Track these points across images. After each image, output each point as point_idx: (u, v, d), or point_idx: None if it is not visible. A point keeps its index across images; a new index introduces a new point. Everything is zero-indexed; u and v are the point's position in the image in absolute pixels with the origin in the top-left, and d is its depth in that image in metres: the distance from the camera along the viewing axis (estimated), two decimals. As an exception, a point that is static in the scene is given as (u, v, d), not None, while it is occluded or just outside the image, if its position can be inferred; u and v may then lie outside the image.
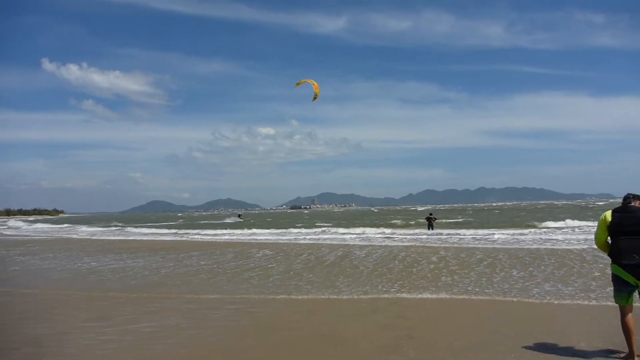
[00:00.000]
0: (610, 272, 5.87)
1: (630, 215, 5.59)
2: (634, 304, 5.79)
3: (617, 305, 5.80)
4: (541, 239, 23.24)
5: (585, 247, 18.39)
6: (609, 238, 5.83)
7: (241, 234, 37.90)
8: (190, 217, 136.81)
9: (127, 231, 48.63)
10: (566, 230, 29.68)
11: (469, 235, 27.30)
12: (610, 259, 5.82)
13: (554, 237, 23.64)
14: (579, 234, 25.28)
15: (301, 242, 26.61)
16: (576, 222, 35.92)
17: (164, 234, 40.54)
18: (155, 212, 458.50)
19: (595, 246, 6.49)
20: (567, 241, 21.46)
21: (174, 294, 11.45)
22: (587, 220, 37.42)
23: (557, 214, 58.41)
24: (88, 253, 23.23)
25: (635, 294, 5.69)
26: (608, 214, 5.80)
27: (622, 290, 5.70)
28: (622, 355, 5.73)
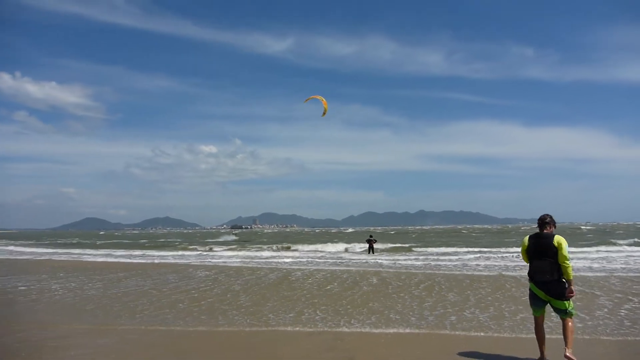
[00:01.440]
0: (529, 289, 6.97)
1: (542, 242, 6.72)
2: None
3: (533, 314, 6.97)
4: (478, 265, 23.27)
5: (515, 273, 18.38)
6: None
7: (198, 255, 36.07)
8: (122, 236, 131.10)
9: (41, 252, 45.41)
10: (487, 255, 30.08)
11: (407, 259, 27.01)
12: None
13: (493, 263, 23.75)
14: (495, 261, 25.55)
15: (232, 263, 25.41)
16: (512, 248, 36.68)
17: (94, 255, 38.00)
18: (89, 230, 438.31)
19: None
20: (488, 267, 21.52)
21: (85, 324, 10.12)
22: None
23: (494, 238, 59.95)
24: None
25: (548, 306, 6.76)
26: (526, 240, 6.97)
27: (536, 304, 6.86)
28: (536, 359, 6.88)
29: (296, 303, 12.09)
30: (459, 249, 35.67)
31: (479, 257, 27.22)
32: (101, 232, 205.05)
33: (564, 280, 6.58)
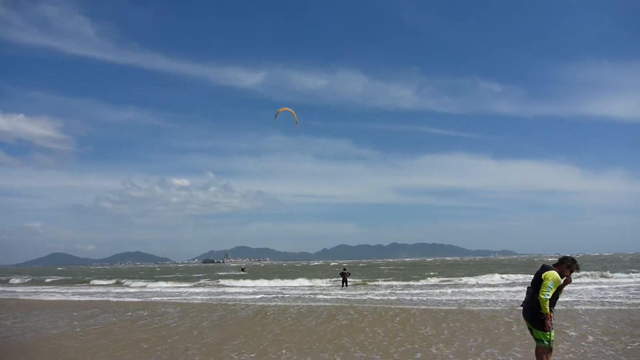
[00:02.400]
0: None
1: (537, 272, 7.20)
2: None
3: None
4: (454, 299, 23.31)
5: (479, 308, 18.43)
6: None
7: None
8: (85, 272, 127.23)
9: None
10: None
11: (379, 293, 26.90)
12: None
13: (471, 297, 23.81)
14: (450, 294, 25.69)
15: (198, 297, 24.85)
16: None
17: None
18: (55, 266, 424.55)
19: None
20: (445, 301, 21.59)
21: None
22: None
23: (467, 270, 60.30)
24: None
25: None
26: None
27: (530, 330, 7.29)
28: None
29: (262, 341, 11.85)
30: (432, 282, 35.68)
31: (455, 290, 27.29)
32: (59, 268, 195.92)
33: (540, 311, 6.88)
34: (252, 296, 26.94)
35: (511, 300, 20.24)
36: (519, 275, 39.64)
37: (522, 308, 7.29)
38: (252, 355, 10.29)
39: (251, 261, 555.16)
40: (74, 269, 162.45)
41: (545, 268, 7.10)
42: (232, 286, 38.93)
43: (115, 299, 27.34)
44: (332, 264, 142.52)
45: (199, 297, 26.91)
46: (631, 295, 20.62)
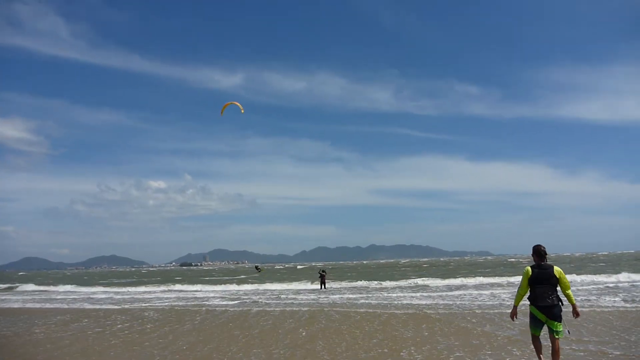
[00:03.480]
0: (529, 311, 7.96)
1: (544, 271, 7.76)
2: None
3: (531, 333, 8.08)
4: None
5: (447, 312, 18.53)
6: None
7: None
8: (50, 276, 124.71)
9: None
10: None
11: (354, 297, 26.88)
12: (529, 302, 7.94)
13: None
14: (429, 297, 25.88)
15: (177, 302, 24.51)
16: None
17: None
18: (29, 270, 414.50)
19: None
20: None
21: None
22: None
23: (446, 271, 60.80)
24: None
25: (545, 327, 7.83)
26: (529, 269, 7.88)
27: (536, 324, 7.92)
28: None
29: (233, 346, 11.70)
30: (409, 283, 35.84)
31: (428, 293, 27.45)
32: (20, 273, 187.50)
33: (562, 304, 7.68)
34: (228, 302, 26.68)
35: (481, 302, 20.46)
36: (492, 278, 40.10)
37: (541, 306, 7.65)
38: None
39: (229, 264, 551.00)
40: (41, 274, 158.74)
41: (547, 266, 7.77)
42: (211, 290, 38.51)
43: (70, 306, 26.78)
44: (312, 266, 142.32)
45: (179, 303, 26.53)
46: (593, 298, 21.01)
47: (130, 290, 42.84)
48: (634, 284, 27.27)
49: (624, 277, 31.77)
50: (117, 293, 39.10)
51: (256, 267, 78.91)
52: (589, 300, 19.34)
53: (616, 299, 19.42)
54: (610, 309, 16.16)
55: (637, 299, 18.95)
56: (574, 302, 7.76)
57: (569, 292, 7.73)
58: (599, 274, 36.54)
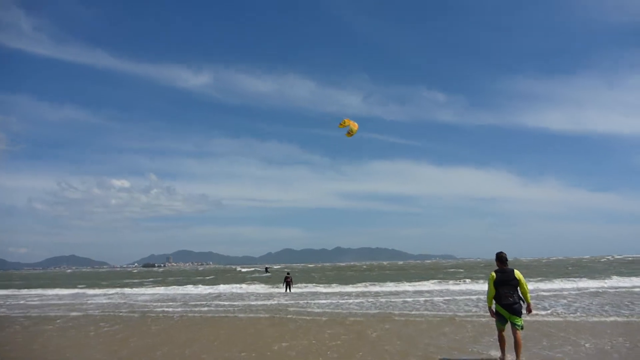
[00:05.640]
0: (494, 309, 9.35)
1: (506, 275, 9.20)
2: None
3: (497, 327, 9.41)
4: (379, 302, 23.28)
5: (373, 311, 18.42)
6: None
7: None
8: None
9: None
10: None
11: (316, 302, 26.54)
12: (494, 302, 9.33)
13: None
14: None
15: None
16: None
17: None
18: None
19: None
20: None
21: None
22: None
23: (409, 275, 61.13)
24: None
25: (509, 323, 9.16)
26: (494, 274, 9.30)
27: (500, 320, 9.26)
28: (499, 357, 9.45)
29: (182, 355, 11.17)
30: (366, 289, 35.69)
31: (386, 299, 27.34)
32: None
33: (522, 302, 9.17)
34: (178, 306, 25.93)
35: (437, 306, 20.43)
36: (448, 281, 40.40)
37: (505, 304, 9.04)
38: None
39: (194, 265, 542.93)
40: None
41: (509, 270, 9.25)
42: (155, 293, 37.51)
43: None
44: (278, 268, 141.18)
45: (124, 309, 25.61)
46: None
47: (60, 293, 41.38)
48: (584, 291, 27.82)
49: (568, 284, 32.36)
50: (41, 297, 37.69)
51: (266, 269, 76.99)
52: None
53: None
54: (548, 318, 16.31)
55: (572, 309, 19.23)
56: (530, 300, 9.33)
57: (527, 292, 9.21)
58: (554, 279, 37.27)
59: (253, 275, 74.97)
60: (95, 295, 37.41)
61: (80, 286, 53.49)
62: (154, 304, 26.80)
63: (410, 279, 47.52)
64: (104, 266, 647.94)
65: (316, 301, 25.03)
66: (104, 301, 30.16)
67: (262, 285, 43.88)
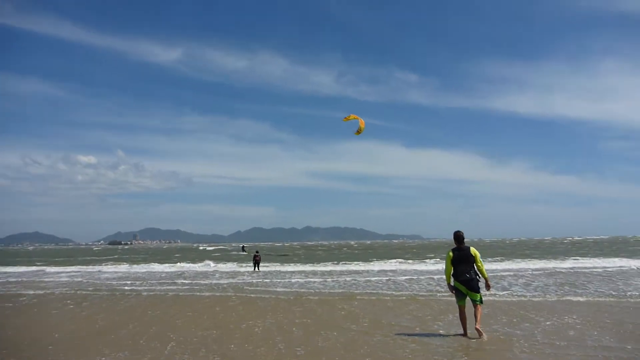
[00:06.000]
0: (453, 286, 9.74)
1: (463, 252, 9.66)
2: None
3: (457, 304, 9.81)
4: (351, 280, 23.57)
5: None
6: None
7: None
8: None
9: None
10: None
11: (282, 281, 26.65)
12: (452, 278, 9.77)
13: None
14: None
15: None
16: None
17: None
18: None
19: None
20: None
21: None
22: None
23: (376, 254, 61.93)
24: None
25: (468, 298, 9.66)
26: (451, 252, 9.76)
27: (459, 296, 9.70)
28: (461, 333, 9.84)
29: (146, 334, 11.08)
30: (341, 267, 36.04)
31: (358, 277, 27.67)
32: None
33: (478, 278, 9.59)
34: (143, 285, 25.70)
35: (400, 284, 20.82)
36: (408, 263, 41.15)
37: (462, 280, 9.50)
38: (125, 353, 9.35)
39: (161, 243, 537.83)
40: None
41: (465, 248, 9.68)
42: (135, 271, 37.09)
43: (-3, 286, 24.96)
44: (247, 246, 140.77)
45: (87, 287, 25.23)
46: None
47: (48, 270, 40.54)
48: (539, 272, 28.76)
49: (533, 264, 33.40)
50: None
51: (242, 248, 75.30)
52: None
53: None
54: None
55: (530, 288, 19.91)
56: (487, 276, 9.75)
57: (482, 267, 9.62)
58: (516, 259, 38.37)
59: (221, 254, 74.75)
60: (57, 272, 36.69)
61: (39, 264, 52.38)
62: (119, 282, 26.47)
63: (376, 258, 48.26)
64: (69, 243, 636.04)
65: (284, 280, 25.18)
66: (65, 279, 29.63)
67: (230, 263, 43.89)
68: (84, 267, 43.88)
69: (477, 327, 9.37)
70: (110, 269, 39.42)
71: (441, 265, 32.17)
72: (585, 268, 29.06)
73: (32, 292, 21.40)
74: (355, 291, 18.97)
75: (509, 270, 28.62)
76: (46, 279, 30.03)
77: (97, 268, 41.43)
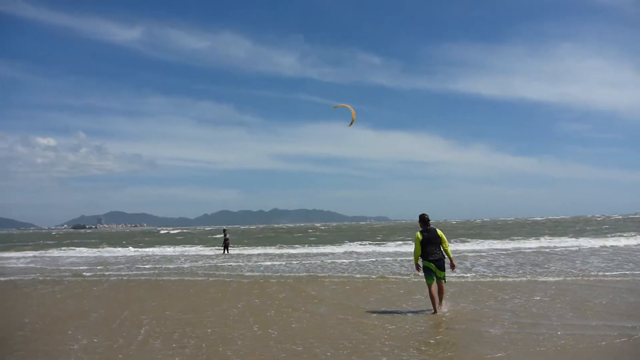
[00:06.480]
0: (422, 266, 10.28)
1: (430, 234, 10.28)
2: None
3: (427, 283, 10.26)
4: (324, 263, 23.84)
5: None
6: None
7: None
8: None
9: None
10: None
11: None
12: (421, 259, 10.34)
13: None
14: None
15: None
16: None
17: None
18: None
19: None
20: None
21: None
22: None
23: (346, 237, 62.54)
24: None
25: (434, 277, 10.17)
26: (419, 234, 10.34)
27: (429, 275, 10.16)
28: (431, 312, 10.22)
29: (117, 319, 11.01)
30: (308, 249, 36.28)
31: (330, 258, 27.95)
32: None
33: (444, 258, 10.25)
34: (110, 270, 25.36)
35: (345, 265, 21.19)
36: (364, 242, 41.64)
37: (432, 260, 10.09)
38: (98, 337, 9.25)
39: (127, 227, 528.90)
40: None
41: (432, 229, 10.30)
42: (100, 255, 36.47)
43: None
44: (214, 229, 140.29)
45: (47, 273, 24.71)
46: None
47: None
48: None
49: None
50: None
51: (224, 231, 74.44)
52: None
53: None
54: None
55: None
56: (452, 256, 10.42)
57: (448, 248, 10.30)
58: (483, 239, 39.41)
59: (184, 237, 74.17)
60: (18, 257, 35.75)
61: None
62: (83, 267, 26.04)
63: (343, 240, 48.75)
64: (31, 228, 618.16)
65: (253, 263, 25.24)
66: (27, 265, 28.96)
67: (199, 247, 43.64)
68: (46, 251, 42.90)
69: (440, 306, 10.35)
70: (74, 254, 38.67)
71: (406, 248, 32.73)
72: (547, 247, 30.12)
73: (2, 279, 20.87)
74: (323, 273, 19.19)
75: (473, 250, 29.44)
76: (7, 264, 29.26)
77: (59, 253, 40.54)
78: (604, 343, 7.66)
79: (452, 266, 10.49)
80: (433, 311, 10.21)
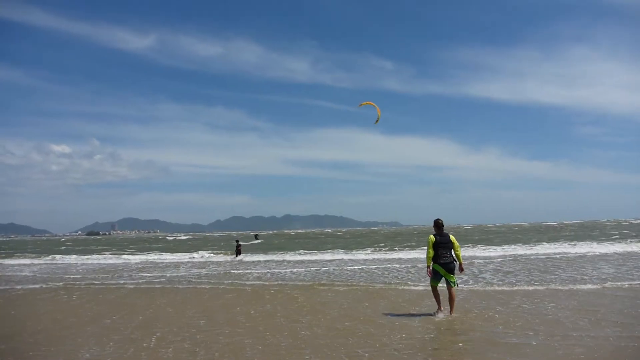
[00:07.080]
0: (431, 268, 10.59)
1: (443, 238, 10.61)
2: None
3: (431, 285, 10.83)
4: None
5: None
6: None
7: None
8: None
9: None
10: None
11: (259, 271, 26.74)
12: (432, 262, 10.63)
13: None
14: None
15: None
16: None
17: None
18: None
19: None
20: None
21: None
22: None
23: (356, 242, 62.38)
24: None
25: (443, 279, 10.60)
26: (432, 237, 10.66)
27: (436, 277, 10.61)
28: (435, 311, 10.69)
29: (128, 327, 11.13)
30: (319, 256, 36.22)
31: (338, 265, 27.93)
32: None
33: (455, 262, 10.59)
34: (123, 277, 25.56)
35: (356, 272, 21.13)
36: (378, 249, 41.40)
37: (442, 263, 10.44)
38: (111, 344, 9.31)
39: (140, 233, 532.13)
40: None
41: (445, 234, 10.66)
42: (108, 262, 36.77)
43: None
44: (226, 235, 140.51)
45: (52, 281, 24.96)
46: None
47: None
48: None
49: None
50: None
51: (255, 236, 74.41)
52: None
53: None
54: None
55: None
56: (462, 260, 10.82)
57: (459, 253, 10.64)
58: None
59: (199, 242, 74.43)
60: (30, 264, 36.17)
61: (17, 255, 51.46)
62: (98, 274, 26.28)
63: (355, 247, 48.53)
64: (46, 234, 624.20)
65: (266, 270, 25.31)
66: (40, 271, 29.28)
67: (211, 253, 43.75)
68: (59, 257, 43.30)
69: (451, 314, 10.53)
70: (88, 260, 39.03)
71: (417, 254, 32.53)
72: (559, 253, 29.75)
73: (14, 286, 21.15)
74: (333, 280, 19.21)
75: (483, 256, 29.16)
76: (20, 272, 29.62)
77: (72, 259, 40.92)
78: (620, 349, 7.65)
79: (461, 269, 10.81)
80: (438, 308, 10.70)
